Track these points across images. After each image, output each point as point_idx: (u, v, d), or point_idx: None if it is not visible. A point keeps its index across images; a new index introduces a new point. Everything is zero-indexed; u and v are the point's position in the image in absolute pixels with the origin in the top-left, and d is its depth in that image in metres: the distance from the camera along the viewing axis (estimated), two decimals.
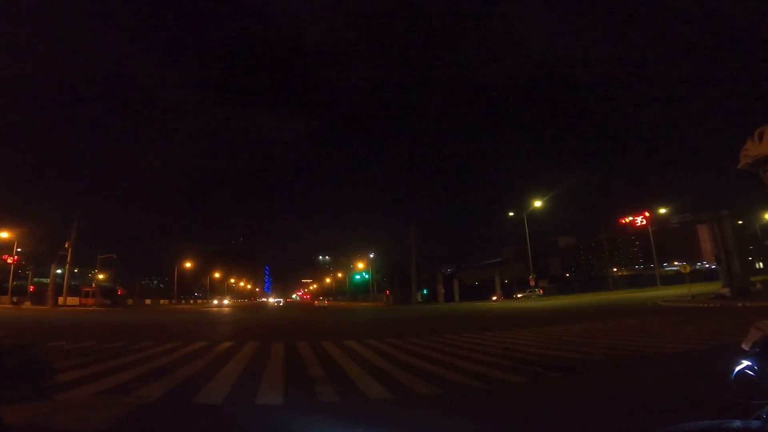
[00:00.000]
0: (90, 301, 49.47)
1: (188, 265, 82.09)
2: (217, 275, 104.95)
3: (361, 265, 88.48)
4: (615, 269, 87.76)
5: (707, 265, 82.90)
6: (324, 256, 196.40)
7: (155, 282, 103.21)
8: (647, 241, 66.76)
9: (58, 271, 45.68)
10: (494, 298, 52.62)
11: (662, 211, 66.66)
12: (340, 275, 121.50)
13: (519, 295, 50.30)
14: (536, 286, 50.08)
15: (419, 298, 60.08)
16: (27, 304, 41.45)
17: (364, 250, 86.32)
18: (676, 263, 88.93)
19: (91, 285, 57.30)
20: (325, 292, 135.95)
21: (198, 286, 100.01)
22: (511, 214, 53.04)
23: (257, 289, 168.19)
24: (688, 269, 29.28)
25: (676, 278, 55.10)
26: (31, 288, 48.61)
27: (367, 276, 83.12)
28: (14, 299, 40.21)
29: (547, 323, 15.00)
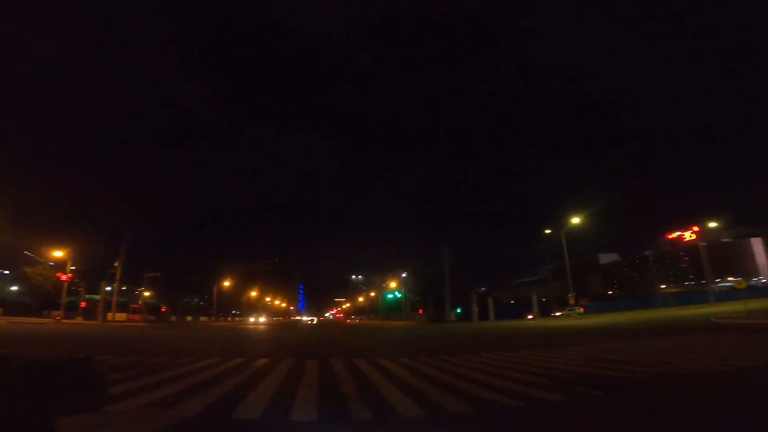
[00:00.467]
0: (137, 317, 51.99)
1: (226, 283, 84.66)
2: (253, 294, 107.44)
3: (393, 284, 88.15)
4: (663, 286, 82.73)
5: (764, 280, 76.57)
6: (357, 275, 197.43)
7: (196, 300, 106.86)
8: (697, 257, 62.79)
9: (108, 288, 48.34)
10: (530, 316, 50.86)
11: (712, 224, 62.73)
12: (372, 294, 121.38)
13: (557, 314, 48.40)
14: (576, 304, 47.97)
15: (453, 317, 58.94)
16: (79, 320, 44.00)
17: (396, 269, 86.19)
18: (729, 279, 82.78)
19: (138, 302, 60.25)
20: (358, 311, 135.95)
21: (236, 304, 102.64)
22: (548, 231, 51.37)
23: (291, 308, 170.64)
24: (743, 284, 27.28)
25: (731, 294, 51.30)
26: (83, 304, 51.64)
27: (399, 295, 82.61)
28: (56, 315, 42.44)
29: (589, 342, 14.35)
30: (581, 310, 47.97)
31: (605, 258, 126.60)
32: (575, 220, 45.94)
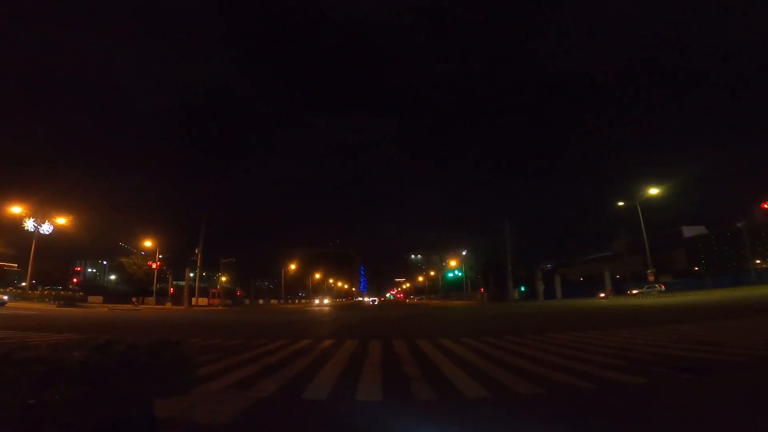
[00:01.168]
0: (216, 301, 56.68)
1: (293, 267, 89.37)
2: (317, 276, 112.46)
3: (453, 263, 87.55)
4: (758, 261, 73.72)
5: None
6: (416, 255, 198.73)
7: (266, 283, 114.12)
8: None
9: (191, 274, 53.08)
10: (603, 294, 47.99)
11: None
12: (432, 274, 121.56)
13: (634, 292, 45.19)
14: (656, 281, 44.36)
15: (516, 296, 57.33)
16: (168, 305, 48.93)
17: (456, 248, 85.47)
18: None
19: (216, 287, 65.61)
20: (418, 290, 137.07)
21: (301, 286, 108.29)
22: (621, 203, 47.53)
23: (353, 289, 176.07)
24: None
25: None
26: (171, 290, 57.25)
27: (459, 274, 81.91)
28: (134, 301, 47.11)
29: (672, 321, 13.22)
30: (662, 287, 44.35)
31: (690, 231, 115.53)
32: (653, 191, 42.06)
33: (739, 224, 77.19)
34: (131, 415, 2.48)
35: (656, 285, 43.59)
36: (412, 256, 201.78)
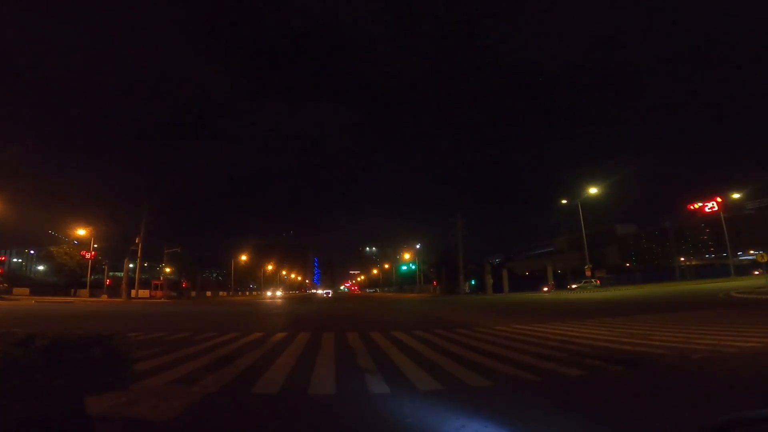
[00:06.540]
0: (158, 293, 53.63)
1: (244, 258, 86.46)
2: (269, 268, 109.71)
3: (407, 256, 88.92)
4: (682, 258, 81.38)
5: None
6: (371, 247, 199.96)
7: (214, 274, 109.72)
8: (719, 228, 61.24)
9: (131, 265, 49.73)
10: (546, 288, 50.83)
11: (736, 195, 61.15)
12: (386, 266, 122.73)
13: (573, 286, 48.27)
14: (592, 276, 47.69)
15: (467, 289, 59.30)
16: (104, 297, 45.64)
17: (410, 241, 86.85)
18: (752, 252, 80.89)
19: (159, 278, 62.05)
20: (373, 283, 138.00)
21: (252, 278, 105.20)
22: (563, 201, 50.59)
23: (307, 281, 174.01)
24: (766, 258, 26.47)
25: (752, 268, 50.43)
26: (108, 282, 53.40)
27: (413, 267, 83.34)
28: (72, 292, 43.83)
29: (606, 315, 14.26)
30: (598, 282, 47.73)
31: (622, 229, 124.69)
32: (592, 190, 45.13)
33: (666, 224, 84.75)
34: (59, 412, 2.30)
35: (592, 280, 46.87)
36: (367, 248, 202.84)
